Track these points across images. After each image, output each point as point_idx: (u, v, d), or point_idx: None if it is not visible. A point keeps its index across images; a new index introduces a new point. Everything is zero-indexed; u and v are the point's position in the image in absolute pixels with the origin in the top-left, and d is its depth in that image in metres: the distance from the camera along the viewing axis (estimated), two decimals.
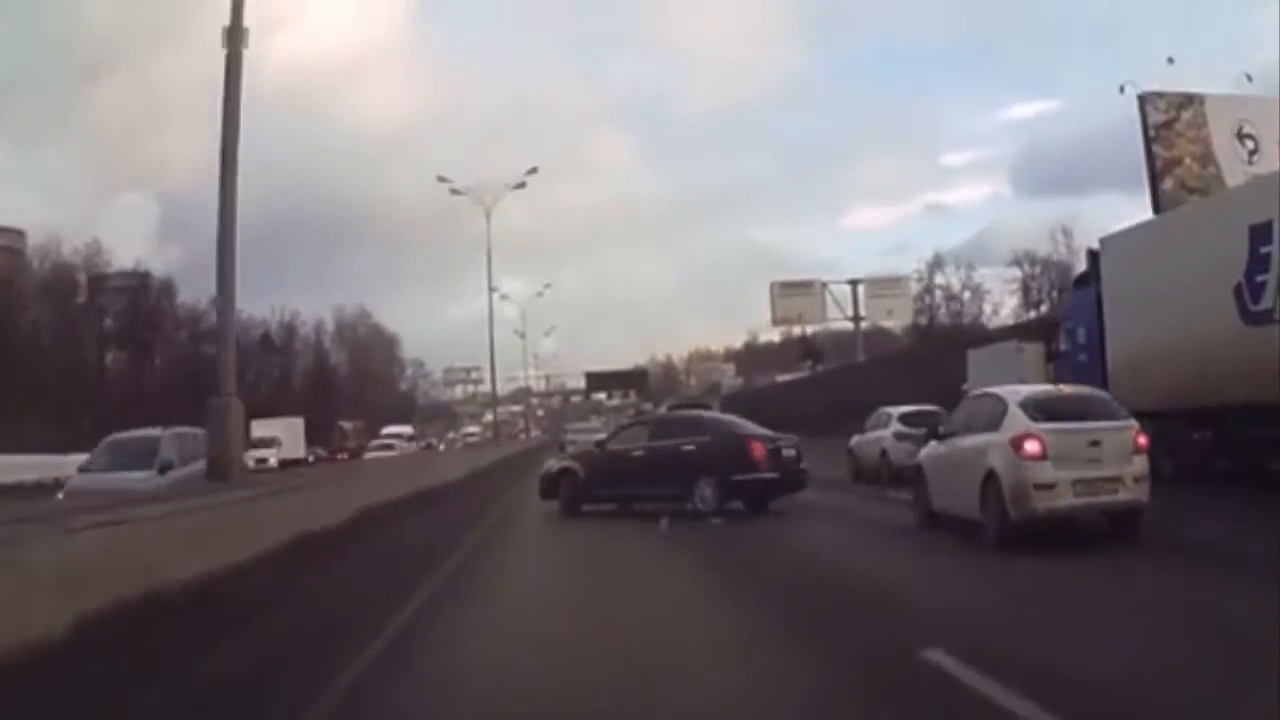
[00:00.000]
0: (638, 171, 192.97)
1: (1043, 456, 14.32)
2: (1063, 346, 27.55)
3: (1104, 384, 21.44)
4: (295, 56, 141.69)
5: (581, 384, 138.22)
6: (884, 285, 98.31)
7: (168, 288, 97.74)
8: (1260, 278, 18.83)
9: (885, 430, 29.72)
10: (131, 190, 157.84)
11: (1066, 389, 17.73)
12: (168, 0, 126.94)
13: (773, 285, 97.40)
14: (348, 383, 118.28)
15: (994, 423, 15.40)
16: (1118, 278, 24.25)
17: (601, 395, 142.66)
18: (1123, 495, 14.46)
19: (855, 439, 32.29)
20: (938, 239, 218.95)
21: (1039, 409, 15.05)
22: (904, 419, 28.77)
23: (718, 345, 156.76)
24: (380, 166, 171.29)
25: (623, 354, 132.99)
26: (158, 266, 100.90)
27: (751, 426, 24.50)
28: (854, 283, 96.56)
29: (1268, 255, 18.59)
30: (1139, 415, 15.72)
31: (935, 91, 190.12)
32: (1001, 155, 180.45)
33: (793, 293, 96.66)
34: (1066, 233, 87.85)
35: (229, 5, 16.42)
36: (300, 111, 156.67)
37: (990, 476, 14.86)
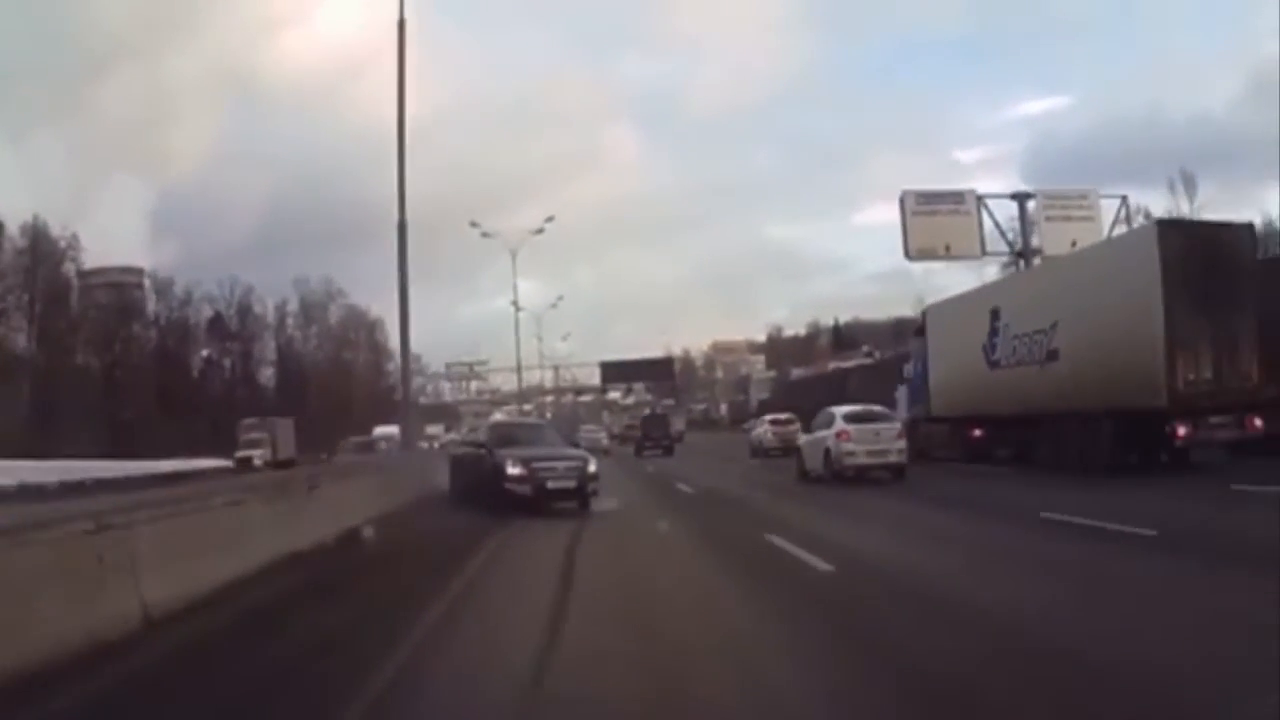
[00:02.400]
0: (650, 168, 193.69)
1: (850, 440, 28.92)
2: (907, 374, 42.21)
3: (929, 400, 37.84)
4: (306, 52, 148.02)
5: (596, 379, 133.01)
6: (1067, 201, 69.73)
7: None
8: (994, 341, 33.11)
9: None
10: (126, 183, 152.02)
11: (866, 407, 31.79)
12: None
13: (904, 196, 66.03)
14: (322, 374, 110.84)
15: (829, 424, 30.22)
16: (934, 333, 38.84)
17: (616, 394, 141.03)
18: (891, 460, 28.85)
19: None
20: None
21: (850, 418, 29.93)
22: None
23: (738, 339, 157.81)
24: (385, 164, 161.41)
25: (636, 351, 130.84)
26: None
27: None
28: (1021, 196, 68.31)
29: (997, 328, 32.95)
30: (946, 420, 33.67)
31: (946, 87, 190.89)
32: (1012, 151, 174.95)
33: (933, 208, 67.58)
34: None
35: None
36: (310, 107, 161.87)
37: (827, 451, 29.52)
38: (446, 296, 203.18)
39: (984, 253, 67.60)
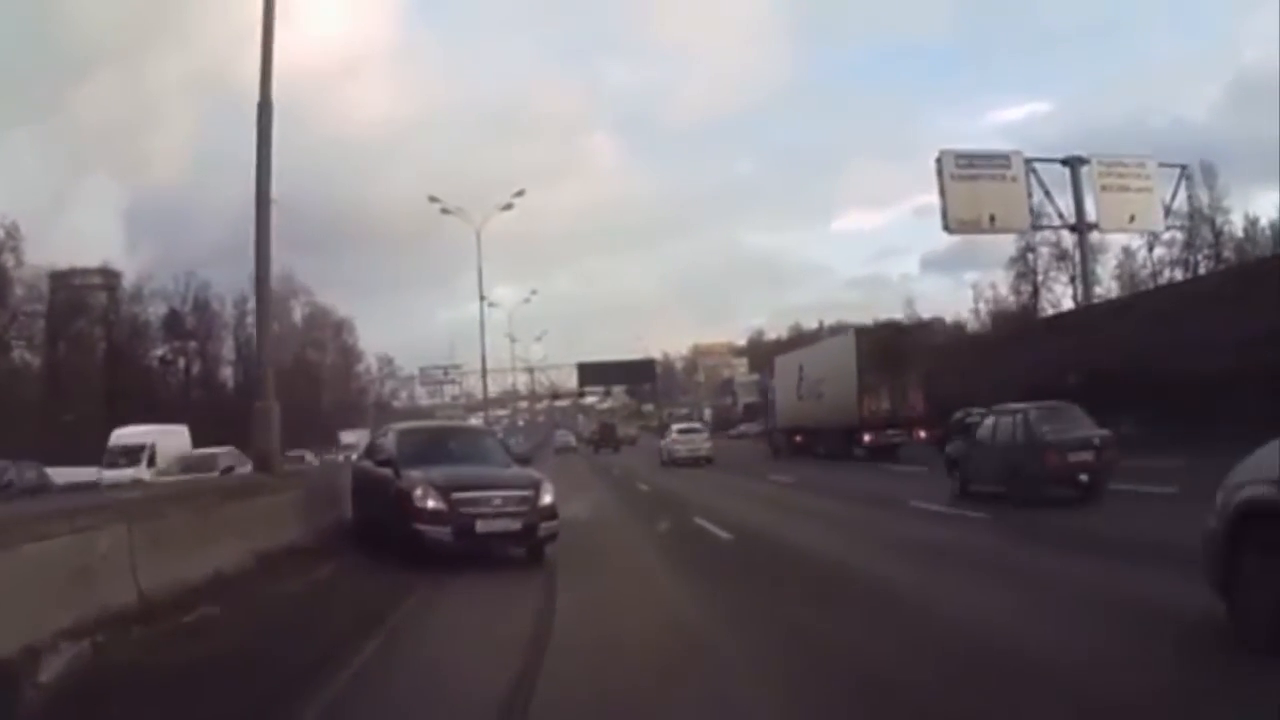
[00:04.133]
0: (629, 175, 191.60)
1: (676, 443, 54.82)
2: (769, 398, 63.16)
3: (776, 417, 60.01)
4: (286, 58, 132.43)
5: (573, 383, 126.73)
6: (1125, 170, 60.43)
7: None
8: (800, 384, 54.68)
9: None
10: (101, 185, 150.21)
11: (690, 424, 70.63)
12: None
13: (942, 157, 57.39)
14: (285, 375, 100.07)
15: (664, 434, 64.59)
16: (778, 376, 60.95)
17: (593, 398, 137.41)
18: (701, 454, 52.41)
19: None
20: (928, 242, 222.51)
21: (678, 430, 60.02)
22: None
23: (719, 344, 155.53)
24: (367, 170, 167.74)
25: (614, 356, 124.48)
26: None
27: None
28: (1073, 162, 58.91)
29: (802, 377, 54.60)
30: (784, 430, 57.76)
31: (925, 94, 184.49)
32: None
33: (975, 172, 57.77)
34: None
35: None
36: (289, 113, 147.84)
37: (665, 449, 55.75)
38: (423, 301, 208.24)
39: (1033, 226, 58.93)
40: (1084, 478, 21.55)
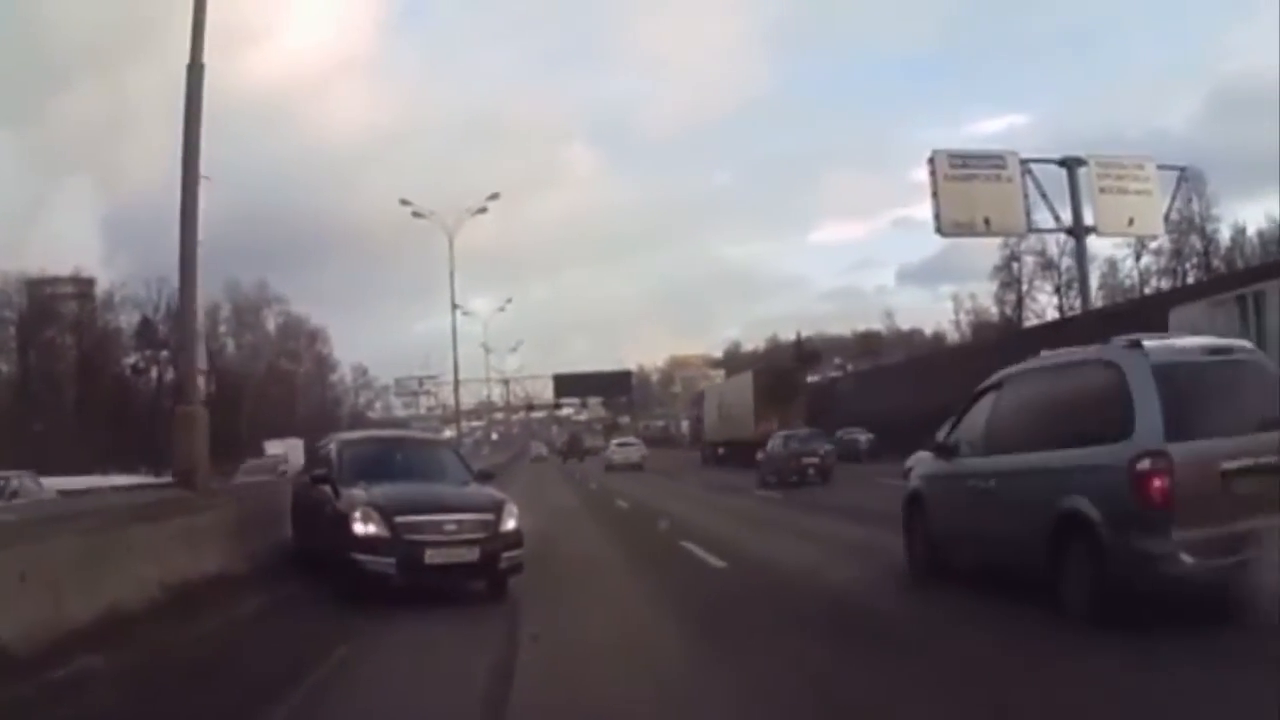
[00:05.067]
0: (605, 187, 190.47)
1: (614, 453, 74.40)
2: (701, 419, 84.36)
3: (705, 435, 79.37)
4: (263, 69, 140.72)
5: (549, 394, 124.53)
6: (1123, 171, 56.73)
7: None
8: (720, 407, 71.46)
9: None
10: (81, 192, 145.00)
11: (625, 439, 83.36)
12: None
13: (935, 157, 54.40)
14: (259, 384, 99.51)
15: (609, 446, 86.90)
16: (705, 401, 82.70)
17: (569, 409, 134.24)
18: (634, 461, 69.17)
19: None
20: (904, 254, 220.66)
21: (616, 444, 79.92)
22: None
23: (695, 356, 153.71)
24: (345, 180, 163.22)
25: (591, 368, 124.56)
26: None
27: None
28: (1071, 162, 55.37)
29: (720, 404, 71.81)
30: (712, 444, 72.04)
31: (903, 106, 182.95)
32: None
33: (970, 172, 54.66)
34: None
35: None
36: (265, 123, 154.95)
37: (607, 457, 76.43)
38: (400, 312, 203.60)
39: (1030, 228, 56.06)
40: (811, 471, 39.43)
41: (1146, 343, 10.47)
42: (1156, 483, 9.50)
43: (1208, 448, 9.67)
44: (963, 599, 11.73)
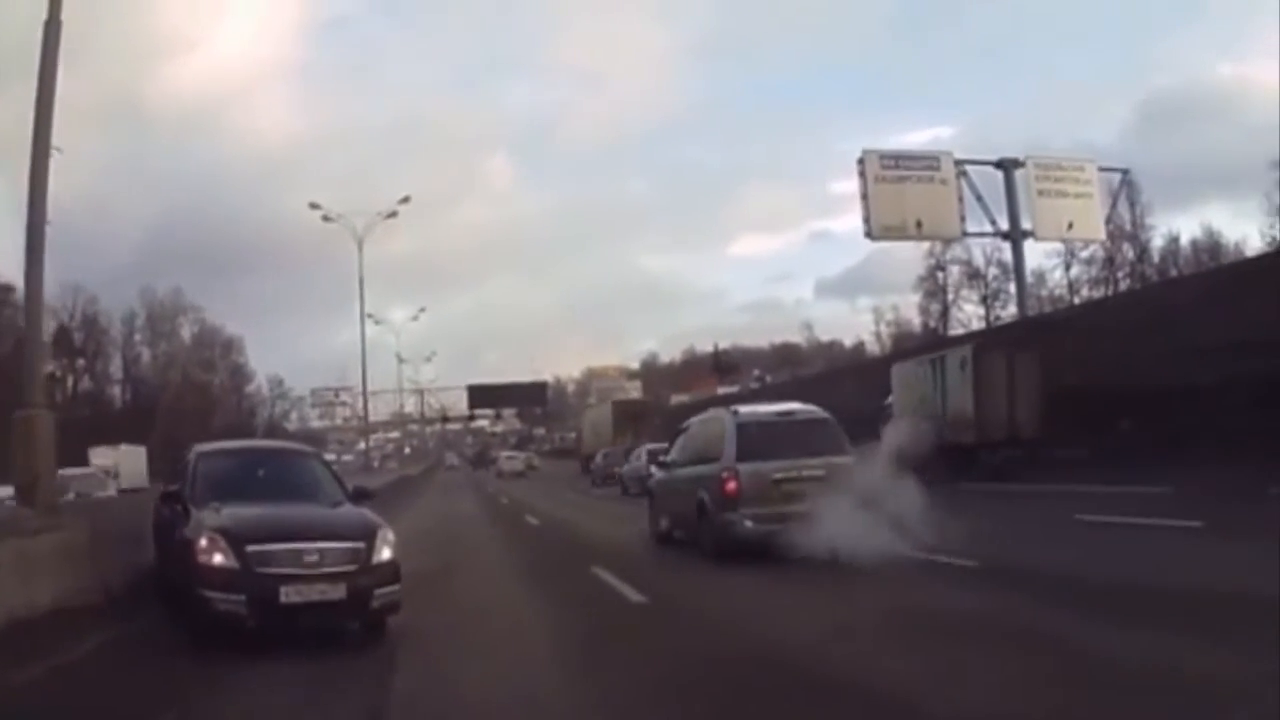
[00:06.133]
0: (524, 198, 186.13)
1: (503, 463, 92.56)
2: (582, 436, 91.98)
3: (583, 448, 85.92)
4: (182, 77, 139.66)
5: (464, 405, 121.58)
6: (1062, 174, 54.30)
7: None
8: (593, 428, 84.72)
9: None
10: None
11: (514, 452, 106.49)
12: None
13: (865, 158, 51.24)
14: (174, 394, 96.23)
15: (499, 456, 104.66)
16: (584, 422, 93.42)
17: (485, 421, 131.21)
18: (519, 469, 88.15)
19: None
20: (822, 267, 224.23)
21: (505, 455, 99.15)
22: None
23: (612, 367, 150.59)
24: (264, 190, 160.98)
25: (507, 379, 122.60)
26: None
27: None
28: (1008, 164, 52.82)
29: (593, 424, 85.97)
30: (587, 456, 76.32)
31: (825, 119, 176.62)
32: None
33: (902, 174, 51.94)
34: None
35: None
36: (183, 130, 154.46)
37: (498, 466, 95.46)
38: (318, 322, 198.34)
39: (964, 233, 53.60)
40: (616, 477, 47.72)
41: (739, 409, 19.20)
42: (730, 484, 17.22)
43: (763, 465, 17.22)
44: (669, 547, 20.00)
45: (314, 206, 66.53)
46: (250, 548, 10.40)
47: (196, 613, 10.46)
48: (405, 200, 67.37)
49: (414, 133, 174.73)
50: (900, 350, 65.10)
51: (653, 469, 25.99)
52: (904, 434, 21.06)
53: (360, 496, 13.17)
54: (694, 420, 21.40)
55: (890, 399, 37.70)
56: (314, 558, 10.59)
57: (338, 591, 10.57)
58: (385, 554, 11.18)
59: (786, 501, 16.44)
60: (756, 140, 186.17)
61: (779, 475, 16.95)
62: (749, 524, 16.68)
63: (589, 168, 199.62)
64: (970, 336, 50.18)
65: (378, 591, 10.89)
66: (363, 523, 11.58)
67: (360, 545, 11.01)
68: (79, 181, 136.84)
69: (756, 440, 17.51)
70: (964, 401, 33.61)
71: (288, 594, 10.33)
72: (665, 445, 45.78)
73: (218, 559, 10.36)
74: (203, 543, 10.47)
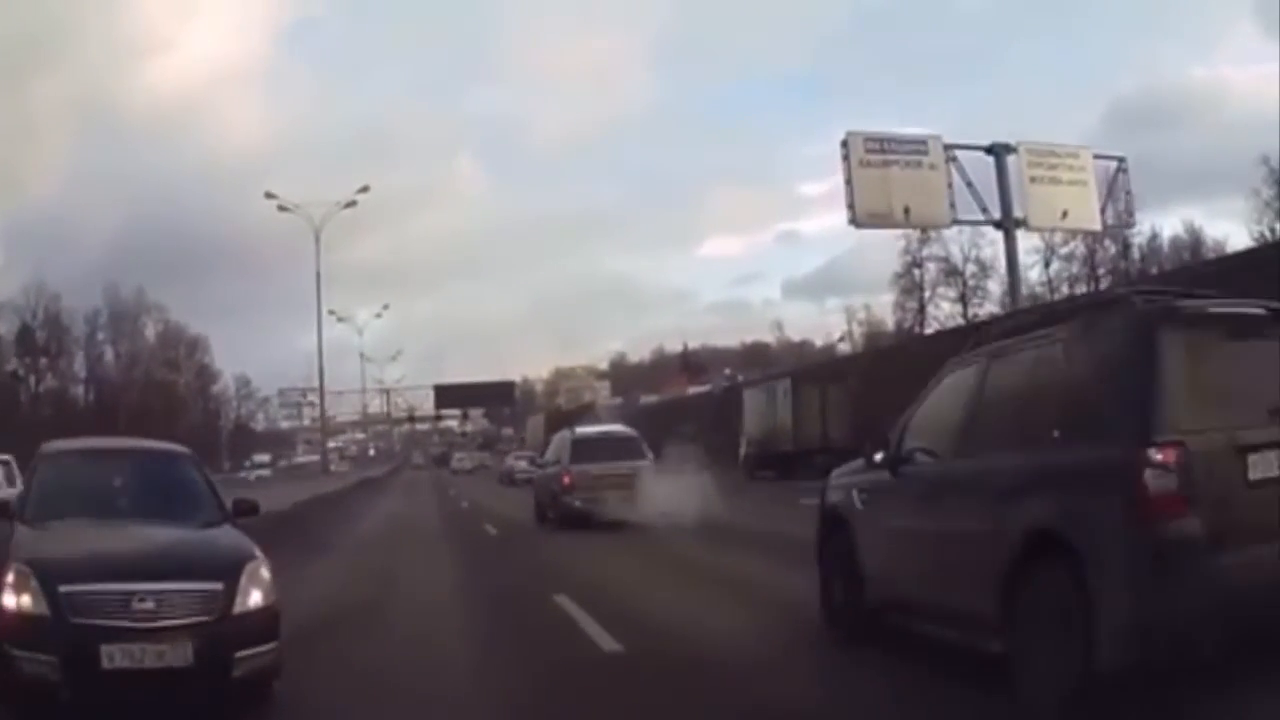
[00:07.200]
0: (491, 199, 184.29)
1: (456, 462, 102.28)
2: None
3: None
4: (150, 78, 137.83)
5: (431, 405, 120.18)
6: (1056, 160, 50.54)
7: None
8: (534, 434, 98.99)
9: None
10: None
11: (465, 453, 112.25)
12: None
13: (849, 140, 46.81)
14: (137, 395, 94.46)
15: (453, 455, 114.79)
16: (527, 427, 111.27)
17: (453, 422, 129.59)
18: (470, 468, 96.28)
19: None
20: (790, 268, 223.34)
21: (457, 457, 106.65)
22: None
23: (580, 367, 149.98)
24: (230, 191, 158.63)
25: (475, 379, 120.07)
26: None
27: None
28: (999, 149, 48.65)
29: (536, 430, 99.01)
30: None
31: (790, 122, 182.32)
32: None
33: (888, 158, 47.74)
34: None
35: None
36: (150, 130, 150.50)
37: (452, 465, 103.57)
38: (285, 323, 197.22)
39: (954, 221, 50.67)
40: (520, 477, 54.82)
41: (577, 429, 28.46)
42: (566, 480, 25.31)
43: (589, 467, 25.16)
44: (534, 516, 28.30)
45: (269, 196, 66.31)
46: (64, 588, 7.29)
47: (3, 675, 7.33)
48: (364, 190, 67.58)
49: (380, 135, 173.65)
50: (765, 375, 68.78)
51: (534, 468, 40.11)
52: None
53: (243, 511, 9.57)
54: (554, 436, 32.14)
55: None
56: (148, 605, 7.34)
57: (181, 653, 7.32)
58: (255, 598, 7.85)
59: (603, 489, 24.78)
60: (723, 142, 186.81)
61: (598, 472, 25.24)
62: (578, 503, 24.89)
63: (556, 169, 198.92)
64: (790, 371, 61.96)
65: (241, 653, 7.60)
66: (228, 554, 8.20)
67: (217, 587, 7.68)
68: (43, 181, 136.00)
69: (584, 450, 26.18)
70: (785, 420, 47.30)
71: (111, 655, 7.16)
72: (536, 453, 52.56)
73: (25, 601, 7.32)
74: (9, 578, 7.44)
